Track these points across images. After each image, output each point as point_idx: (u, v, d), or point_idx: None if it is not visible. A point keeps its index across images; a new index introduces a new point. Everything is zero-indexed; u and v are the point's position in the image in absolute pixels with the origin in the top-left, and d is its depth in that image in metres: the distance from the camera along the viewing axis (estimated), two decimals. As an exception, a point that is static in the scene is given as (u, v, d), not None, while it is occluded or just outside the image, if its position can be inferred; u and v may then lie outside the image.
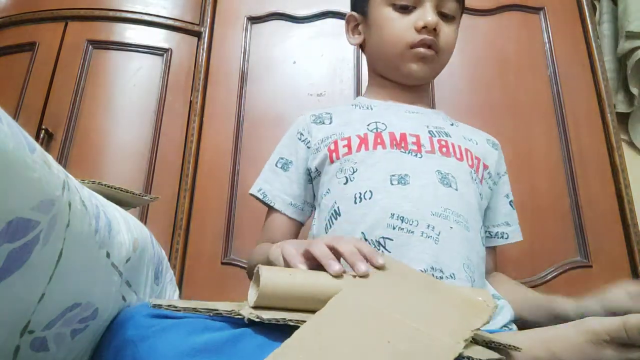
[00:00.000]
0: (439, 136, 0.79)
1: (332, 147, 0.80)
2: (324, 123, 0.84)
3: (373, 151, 0.77)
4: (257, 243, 0.83)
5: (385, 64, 0.87)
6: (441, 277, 0.66)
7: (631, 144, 1.34)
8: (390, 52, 0.83)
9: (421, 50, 0.80)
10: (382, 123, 0.80)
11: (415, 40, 0.80)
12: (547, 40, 1.28)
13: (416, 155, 0.76)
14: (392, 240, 0.68)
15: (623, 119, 1.35)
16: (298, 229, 0.85)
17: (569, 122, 1.19)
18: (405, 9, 0.82)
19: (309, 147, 0.84)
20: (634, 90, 1.30)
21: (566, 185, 1.14)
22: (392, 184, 0.73)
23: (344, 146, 0.78)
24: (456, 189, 0.74)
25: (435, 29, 0.79)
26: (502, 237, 0.84)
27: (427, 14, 0.79)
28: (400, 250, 0.67)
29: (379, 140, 0.77)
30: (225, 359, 0.40)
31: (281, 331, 0.45)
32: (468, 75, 1.25)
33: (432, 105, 1.17)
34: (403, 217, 0.69)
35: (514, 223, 0.86)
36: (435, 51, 0.81)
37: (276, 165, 0.84)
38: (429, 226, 0.69)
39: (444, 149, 0.78)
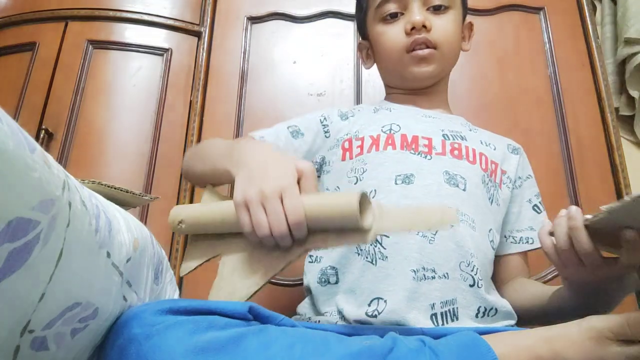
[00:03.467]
0: (453, 139, 0.79)
1: (347, 145, 0.80)
2: (347, 119, 0.85)
3: (383, 151, 0.77)
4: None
5: (391, 75, 0.89)
6: (433, 277, 0.66)
7: (634, 144, 1.34)
8: (391, 62, 0.85)
9: (418, 52, 0.80)
10: (397, 125, 0.80)
11: (408, 43, 0.80)
12: (547, 40, 1.28)
13: (425, 156, 0.76)
14: (388, 237, 0.68)
15: (627, 120, 1.35)
16: None
17: (569, 122, 1.19)
18: (394, 17, 0.83)
19: (327, 137, 0.84)
20: (634, 94, 1.30)
21: (566, 184, 1.14)
22: (397, 184, 0.73)
23: (357, 147, 0.79)
24: (464, 189, 0.73)
25: (425, 26, 0.79)
26: (527, 242, 0.82)
27: (412, 15, 0.80)
28: (394, 247, 0.67)
29: (389, 141, 0.78)
30: (229, 358, 0.40)
31: (283, 331, 0.45)
32: (468, 75, 1.25)
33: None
34: None
35: (539, 228, 0.83)
36: (432, 47, 0.80)
37: (287, 129, 0.83)
38: None
39: (456, 152, 0.77)
